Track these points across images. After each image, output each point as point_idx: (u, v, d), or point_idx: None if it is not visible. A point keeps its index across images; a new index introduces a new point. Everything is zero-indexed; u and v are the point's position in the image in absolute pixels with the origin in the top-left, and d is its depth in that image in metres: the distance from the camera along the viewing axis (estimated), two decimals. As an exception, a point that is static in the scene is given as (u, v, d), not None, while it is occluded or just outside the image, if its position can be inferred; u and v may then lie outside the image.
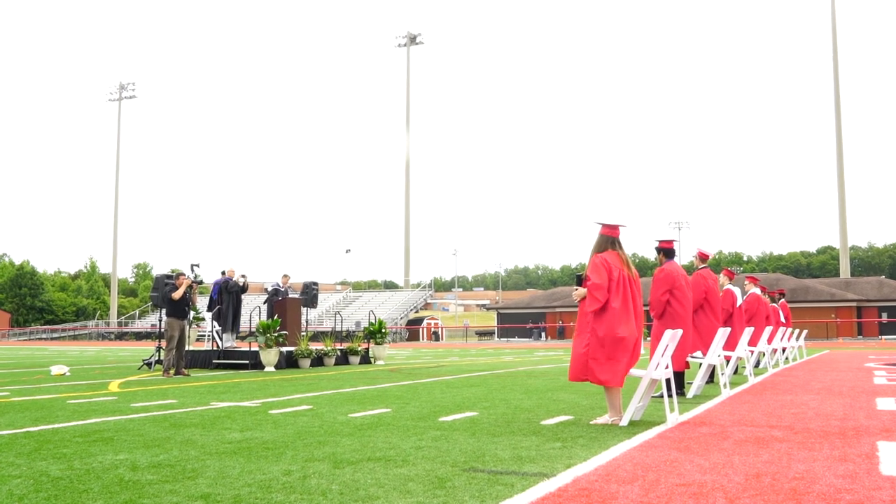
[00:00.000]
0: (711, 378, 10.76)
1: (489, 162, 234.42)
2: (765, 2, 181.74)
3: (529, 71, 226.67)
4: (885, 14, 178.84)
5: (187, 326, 15.36)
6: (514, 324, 66.87)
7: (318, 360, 17.94)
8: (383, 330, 20.19)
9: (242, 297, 18.73)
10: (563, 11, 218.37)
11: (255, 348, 17.01)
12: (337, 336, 21.98)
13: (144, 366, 17.07)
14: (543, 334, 64.31)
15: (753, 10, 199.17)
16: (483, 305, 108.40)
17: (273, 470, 4.82)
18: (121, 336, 76.47)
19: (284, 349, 17.16)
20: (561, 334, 62.32)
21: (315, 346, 18.33)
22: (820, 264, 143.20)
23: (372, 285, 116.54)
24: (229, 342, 18.24)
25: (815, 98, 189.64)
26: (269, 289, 19.64)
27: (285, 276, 19.81)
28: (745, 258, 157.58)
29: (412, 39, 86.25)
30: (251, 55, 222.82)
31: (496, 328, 69.73)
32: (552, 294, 71.88)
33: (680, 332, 7.54)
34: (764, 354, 14.33)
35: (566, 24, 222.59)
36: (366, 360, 19.67)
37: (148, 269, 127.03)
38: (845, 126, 73.48)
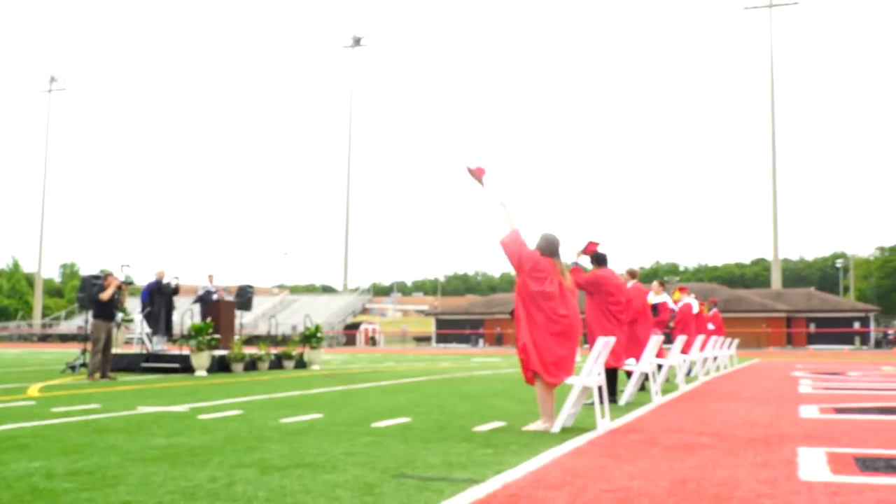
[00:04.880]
0: (643, 386, 10.89)
1: (430, 166, 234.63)
2: (702, 18, 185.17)
3: (472, 75, 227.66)
4: (819, 31, 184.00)
5: (115, 328, 15.00)
6: (453, 330, 66.91)
7: (252, 365, 17.70)
8: (319, 334, 20.01)
9: (175, 299, 18.41)
10: (506, 16, 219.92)
11: (185, 352, 16.71)
12: (272, 340, 21.76)
13: (68, 369, 16.62)
14: (481, 341, 64.51)
15: (691, 23, 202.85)
16: (422, 311, 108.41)
17: (198, 476, 4.73)
18: (44, 338, 74.31)
19: (217, 353, 16.89)
20: (499, 341, 62.57)
21: (249, 350, 18.08)
22: (753, 275, 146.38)
23: (310, 289, 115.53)
24: (159, 345, 17.89)
25: (751, 115, 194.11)
26: (201, 291, 19.33)
27: (210, 275, 19.56)
28: (681, 269, 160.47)
29: (356, 42, 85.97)
30: (190, 52, 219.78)
31: (434, 334, 69.68)
32: (491, 300, 72.15)
33: (613, 339, 7.62)
34: (695, 363, 14.55)
35: (508, 28, 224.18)
36: (301, 364, 19.48)
37: (75, 268, 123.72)
38: (779, 143, 75.29)
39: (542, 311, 7.03)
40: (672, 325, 15.97)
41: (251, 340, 24.08)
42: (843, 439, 6.44)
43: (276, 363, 18.80)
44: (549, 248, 7.25)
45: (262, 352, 18.17)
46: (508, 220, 7.19)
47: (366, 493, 4.26)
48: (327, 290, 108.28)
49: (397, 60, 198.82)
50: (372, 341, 67.35)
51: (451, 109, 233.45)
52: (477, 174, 7.38)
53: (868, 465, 5.19)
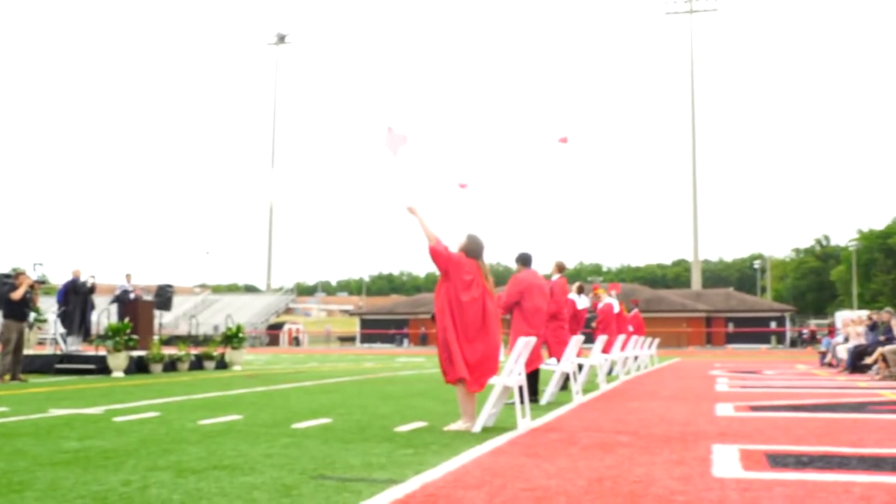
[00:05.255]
0: (565, 385, 11.01)
1: (356, 165, 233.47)
2: (625, 22, 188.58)
3: (395, 74, 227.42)
4: (738, 36, 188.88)
5: (27, 329, 14.54)
6: (377, 329, 66.74)
7: (171, 365, 17.34)
8: (241, 334, 19.73)
9: (92, 298, 17.94)
10: (432, 15, 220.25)
11: (102, 352, 16.29)
12: (193, 340, 21.37)
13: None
14: (406, 341, 64.50)
15: (613, 27, 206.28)
16: (346, 311, 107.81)
17: (111, 480, 4.61)
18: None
19: (134, 353, 16.51)
20: (423, 341, 62.62)
21: (168, 351, 17.71)
22: (674, 276, 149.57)
23: (232, 288, 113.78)
24: (74, 346, 17.40)
25: (672, 118, 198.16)
26: (118, 291, 18.88)
27: (128, 274, 19.12)
28: (604, 269, 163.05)
29: (281, 39, 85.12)
30: (111, 47, 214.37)
31: (359, 334, 69.42)
32: (416, 300, 72.17)
33: (534, 339, 7.69)
34: (616, 362, 14.79)
35: (434, 26, 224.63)
36: (222, 365, 19.17)
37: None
38: (699, 146, 77.22)
39: (466, 316, 7.01)
40: (594, 326, 16.22)
41: (171, 341, 23.61)
42: (756, 436, 6.61)
43: (197, 364, 18.47)
44: (475, 250, 7.25)
45: (182, 352, 17.83)
46: (422, 226, 7.11)
47: (283, 495, 4.20)
48: (250, 289, 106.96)
49: (323, 57, 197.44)
50: (295, 341, 66.69)
51: (377, 107, 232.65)
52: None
53: (778, 461, 5.33)
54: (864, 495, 4.23)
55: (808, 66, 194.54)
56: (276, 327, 68.96)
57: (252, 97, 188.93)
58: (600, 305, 16.80)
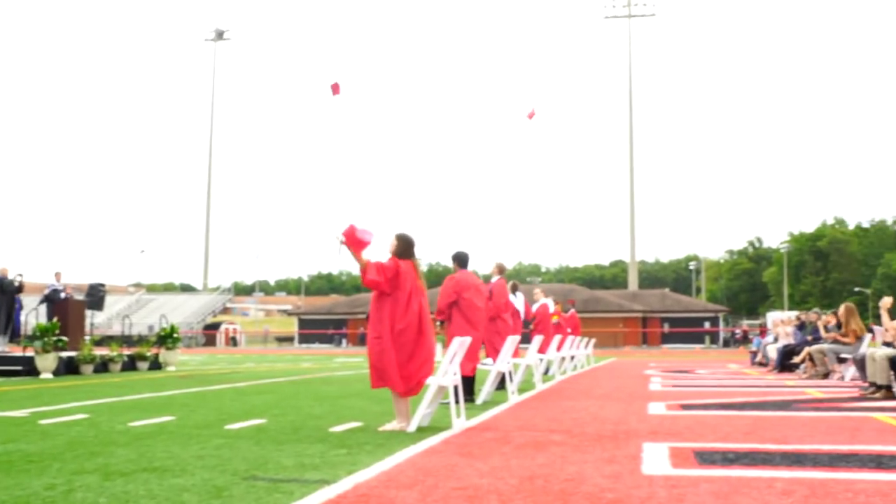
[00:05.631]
0: (502, 385, 11.08)
1: (293, 163, 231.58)
2: (564, 25, 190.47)
3: (335, 72, 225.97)
4: (676, 42, 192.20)
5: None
6: (316, 330, 66.28)
7: (103, 366, 16.97)
8: (175, 335, 19.42)
9: (19, 297, 17.48)
10: (371, 14, 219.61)
11: (30, 353, 15.89)
12: (126, 341, 20.97)
13: None
14: (345, 341, 64.20)
15: (551, 30, 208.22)
16: (285, 311, 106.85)
17: (34, 484, 4.50)
18: None
19: (64, 354, 16.13)
20: (362, 341, 62.38)
21: (100, 352, 17.34)
22: (612, 277, 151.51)
23: (168, 288, 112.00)
24: (0, 347, 16.94)
25: (610, 121, 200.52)
26: (48, 290, 18.43)
27: (58, 273, 18.68)
28: (543, 269, 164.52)
29: (219, 35, 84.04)
30: (44, 40, 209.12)
31: (297, 334, 68.88)
32: (355, 300, 71.86)
33: (469, 339, 7.73)
34: (553, 362, 14.93)
35: (372, 26, 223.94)
36: (155, 366, 18.84)
37: None
38: (637, 148, 78.33)
39: (405, 336, 7.02)
40: (531, 326, 16.35)
41: (103, 341, 23.12)
42: (686, 434, 6.74)
43: (130, 365, 18.11)
44: (407, 249, 7.26)
45: (114, 353, 17.46)
46: (356, 256, 7.05)
47: (214, 497, 4.16)
48: (186, 288, 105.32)
49: (263, 54, 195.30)
50: (233, 342, 65.92)
51: (316, 104, 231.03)
52: (352, 243, 7.07)
53: (706, 458, 5.45)
54: (785, 490, 4.35)
55: (741, 71, 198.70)
56: (212, 327, 68.06)
57: (190, 94, 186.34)
58: (535, 306, 16.94)
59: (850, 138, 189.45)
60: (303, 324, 69.11)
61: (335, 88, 8.35)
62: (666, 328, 61.95)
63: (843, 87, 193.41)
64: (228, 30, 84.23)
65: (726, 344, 59.24)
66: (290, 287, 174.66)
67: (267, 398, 10.53)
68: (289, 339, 71.30)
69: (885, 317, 11.61)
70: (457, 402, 7.23)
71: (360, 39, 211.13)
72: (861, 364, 11.79)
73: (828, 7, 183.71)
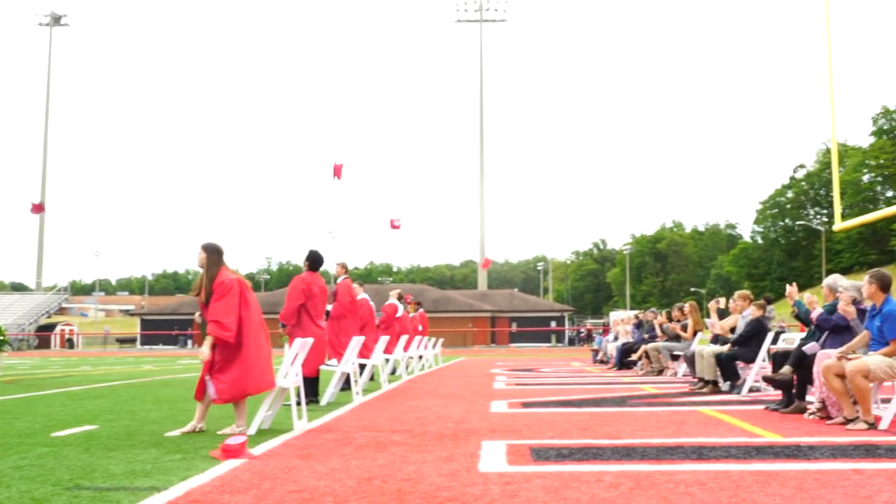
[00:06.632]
0: (348, 385, 11.03)
1: (141, 158, 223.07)
2: (417, 28, 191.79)
3: (175, 60, 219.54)
4: (526, 47, 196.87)
5: None
6: (160, 330, 63.96)
7: (-80, 372, 15.81)
8: (2, 336, 18.27)
9: None
10: (214, 5, 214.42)
11: None
12: (-53, 344, 19.52)
13: None
14: (190, 342, 62.28)
15: (404, 33, 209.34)
16: (126, 311, 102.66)
17: None
18: None
19: None
20: (209, 342, 60.79)
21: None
22: (462, 277, 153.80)
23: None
24: None
25: (462, 123, 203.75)
26: None
27: None
28: (394, 269, 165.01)
29: (56, 20, 79.88)
30: None
31: (139, 335, 66.28)
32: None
33: (311, 340, 7.64)
34: (400, 362, 14.98)
35: (216, 16, 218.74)
36: (-20, 370, 17.70)
37: None
38: (487, 151, 79.74)
39: (259, 329, 6.96)
40: (377, 325, 16.34)
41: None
42: (524, 432, 6.89)
43: (-50, 369, 16.94)
44: (220, 260, 7.06)
45: (-67, 357, 16.30)
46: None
47: (30, 509, 3.94)
48: (18, 288, 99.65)
49: (103, 40, 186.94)
50: (69, 344, 62.66)
51: (158, 92, 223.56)
52: None
53: (541, 454, 5.59)
54: (612, 483, 4.52)
55: (588, 78, 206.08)
56: (47, 329, 64.51)
57: (26, 80, 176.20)
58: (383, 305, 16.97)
59: (689, 146, 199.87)
60: (146, 324, 66.53)
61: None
62: (514, 327, 63.36)
63: (683, 98, 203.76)
64: (66, 14, 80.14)
65: (571, 343, 61.16)
66: (133, 286, 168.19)
67: (101, 403, 10.07)
68: (131, 341, 68.47)
69: (714, 317, 12.27)
70: (298, 403, 7.14)
71: (203, 30, 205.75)
72: (691, 361, 12.42)
73: (670, 20, 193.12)
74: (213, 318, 6.71)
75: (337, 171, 8.07)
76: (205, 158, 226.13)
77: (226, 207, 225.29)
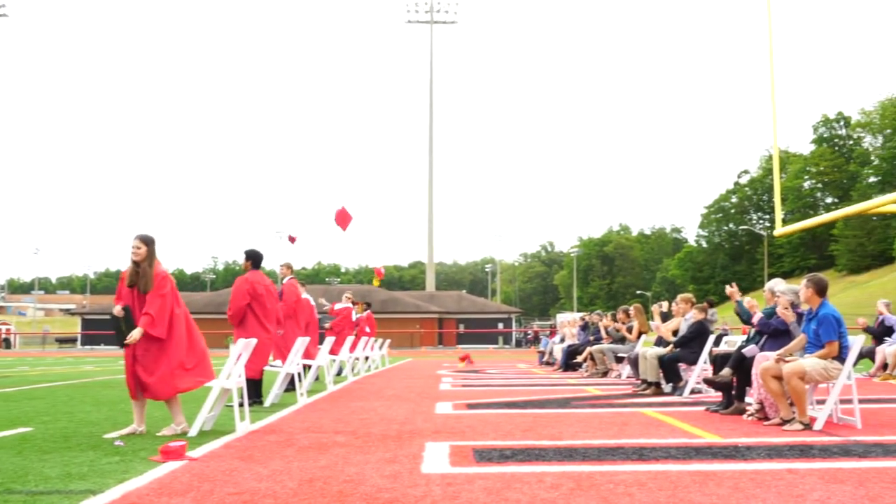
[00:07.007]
0: (293, 386, 10.94)
1: (84, 153, 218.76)
2: (368, 29, 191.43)
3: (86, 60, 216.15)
4: (477, 50, 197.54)
5: None
6: (102, 330, 62.70)
7: None
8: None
9: None
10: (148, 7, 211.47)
11: None
12: None
13: None
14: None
15: (355, 34, 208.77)
16: (67, 310, 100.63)
17: None
18: None
19: None
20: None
21: None
22: (411, 278, 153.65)
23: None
24: None
25: (411, 124, 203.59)
26: None
27: None
28: (342, 269, 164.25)
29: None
30: None
31: (80, 335, 64.96)
32: (146, 300, 68.82)
33: (254, 340, 7.57)
34: (346, 363, 14.91)
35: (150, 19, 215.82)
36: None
37: None
38: (437, 152, 79.91)
39: (191, 324, 6.97)
40: (328, 326, 16.27)
41: None
42: (468, 433, 6.91)
43: None
44: (153, 257, 7.02)
45: None
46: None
47: (-41, 514, 3.83)
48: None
49: (40, 33, 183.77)
50: (5, 344, 61.15)
51: (109, 87, 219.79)
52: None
53: (484, 455, 5.61)
54: (553, 484, 4.55)
55: (538, 83, 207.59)
56: (-19, 328, 62.96)
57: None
58: (336, 307, 16.89)
59: (636, 150, 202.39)
60: (87, 324, 65.23)
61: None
62: (461, 329, 63.48)
63: (631, 102, 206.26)
64: (3, 5, 78.22)
65: (518, 344, 61.45)
66: (75, 285, 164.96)
67: (37, 404, 9.85)
68: (71, 341, 67.12)
69: (657, 320, 12.43)
70: (241, 405, 7.07)
71: (144, 18, 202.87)
72: (635, 363, 12.57)
73: (620, 26, 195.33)
74: (148, 312, 6.65)
75: (341, 221, 8.37)
76: (151, 155, 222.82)
77: (172, 205, 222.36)
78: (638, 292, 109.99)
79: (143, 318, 6.65)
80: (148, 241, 6.91)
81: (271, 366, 10.01)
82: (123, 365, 7.01)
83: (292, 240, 8.67)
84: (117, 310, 6.77)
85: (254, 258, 9.91)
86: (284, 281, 11.59)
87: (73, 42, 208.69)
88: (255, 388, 9.51)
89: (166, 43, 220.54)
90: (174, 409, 6.90)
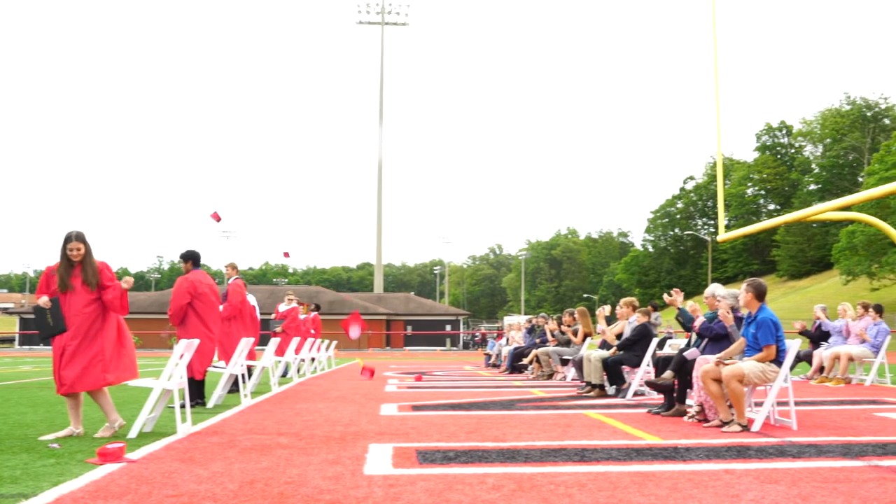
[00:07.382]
0: (236, 387, 10.82)
1: (24, 150, 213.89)
2: (318, 30, 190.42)
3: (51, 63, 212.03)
4: (428, 52, 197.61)
5: None
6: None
7: None
8: None
9: None
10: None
11: None
12: None
13: None
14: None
15: (305, 35, 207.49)
16: (4, 309, 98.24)
17: None
18: None
19: None
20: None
21: None
22: (359, 279, 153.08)
23: None
24: None
25: (361, 125, 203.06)
26: None
27: None
28: (290, 270, 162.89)
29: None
30: None
31: (17, 335, 63.44)
32: (88, 300, 67.50)
33: (196, 341, 7.48)
34: (291, 364, 14.79)
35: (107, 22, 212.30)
36: None
37: None
38: (386, 153, 79.76)
39: (121, 319, 7.02)
40: (280, 329, 16.15)
41: None
42: (412, 435, 6.90)
43: None
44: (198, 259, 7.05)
45: None
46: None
47: None
48: None
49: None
50: (-60, 344, 59.64)
51: (55, 84, 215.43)
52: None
53: (427, 457, 5.61)
54: (495, 485, 4.57)
55: (487, 86, 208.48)
56: (-84, 327, 61.21)
57: None
58: (281, 309, 16.77)
59: (585, 155, 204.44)
60: (25, 323, 63.71)
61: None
62: (409, 331, 63.40)
63: (580, 107, 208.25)
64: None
65: (466, 346, 61.54)
66: (13, 283, 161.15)
67: (-28, 405, 9.61)
68: (9, 341, 65.56)
69: (601, 323, 12.57)
70: (182, 406, 6.98)
71: (86, 17, 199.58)
72: (579, 365, 12.68)
73: (567, 30, 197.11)
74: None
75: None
76: (95, 153, 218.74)
77: (116, 204, 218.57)
78: (585, 296, 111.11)
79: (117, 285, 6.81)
80: (83, 238, 6.82)
81: (215, 367, 9.90)
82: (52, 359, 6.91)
83: (217, 217, 8.62)
84: (44, 300, 6.61)
85: (192, 258, 9.79)
86: (230, 281, 11.47)
87: (15, 35, 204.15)
88: (197, 389, 9.41)
89: (110, 42, 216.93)
90: (105, 406, 6.82)
